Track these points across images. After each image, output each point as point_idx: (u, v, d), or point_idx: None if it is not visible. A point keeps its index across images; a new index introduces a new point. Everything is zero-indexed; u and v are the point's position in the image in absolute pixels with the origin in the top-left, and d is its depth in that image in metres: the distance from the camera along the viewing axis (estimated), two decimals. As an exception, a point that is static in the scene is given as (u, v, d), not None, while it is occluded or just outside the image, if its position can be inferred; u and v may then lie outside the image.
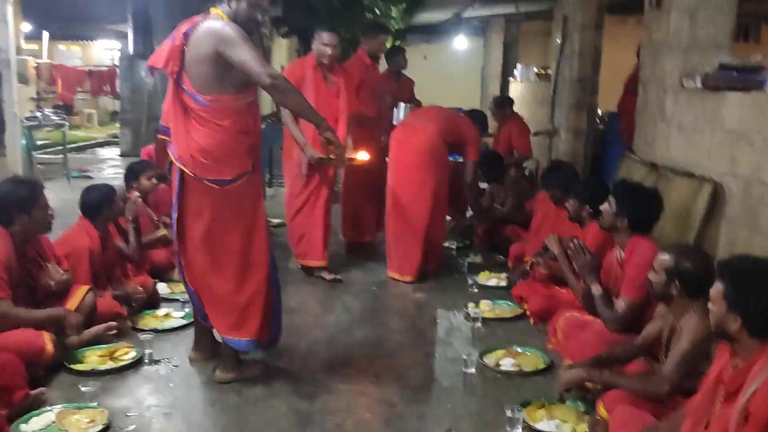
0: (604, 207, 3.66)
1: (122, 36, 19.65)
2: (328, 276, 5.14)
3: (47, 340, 3.34)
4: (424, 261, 5.18)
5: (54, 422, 2.89)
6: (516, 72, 12.62)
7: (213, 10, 3.28)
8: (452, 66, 15.35)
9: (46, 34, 18.94)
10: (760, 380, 2.00)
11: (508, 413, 2.93)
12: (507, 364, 3.60)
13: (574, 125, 8.28)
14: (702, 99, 4.89)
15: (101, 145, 15.67)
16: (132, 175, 5.12)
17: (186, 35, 3.25)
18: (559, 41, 8.84)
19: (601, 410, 2.81)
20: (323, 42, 5.05)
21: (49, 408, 2.99)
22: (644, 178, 5.22)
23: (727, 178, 4.53)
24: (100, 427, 2.87)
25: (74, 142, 14.11)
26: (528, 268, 4.66)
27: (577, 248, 3.66)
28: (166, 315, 4.23)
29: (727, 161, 4.53)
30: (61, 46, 23.78)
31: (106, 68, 22.26)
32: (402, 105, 6.06)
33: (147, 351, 3.63)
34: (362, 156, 5.00)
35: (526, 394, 3.23)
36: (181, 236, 3.44)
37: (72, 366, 3.45)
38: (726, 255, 4.18)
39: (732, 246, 4.34)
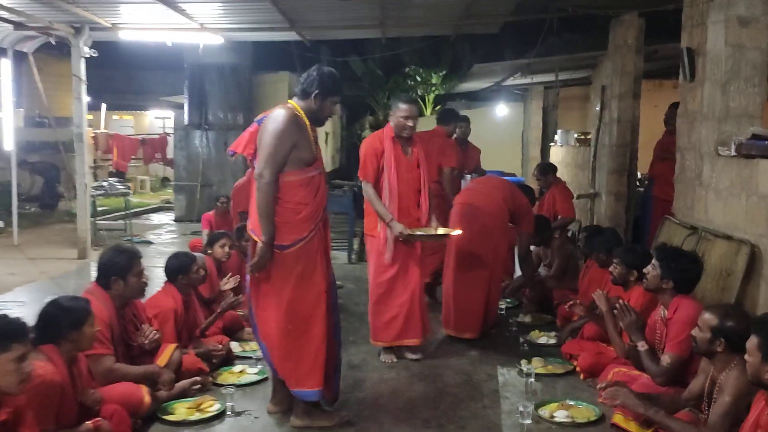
0: (650, 271, 3.94)
1: (176, 106, 20.69)
2: (412, 355, 5.00)
3: (145, 393, 3.73)
4: (484, 320, 5.47)
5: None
6: (556, 137, 13.03)
7: (290, 102, 3.79)
8: (493, 130, 15.82)
9: (104, 106, 20.02)
10: None
11: (565, 460, 3.21)
12: (561, 415, 3.87)
13: (615, 189, 8.59)
14: (737, 166, 5.20)
15: (155, 210, 16.32)
16: (209, 243, 5.60)
17: (259, 122, 3.78)
18: (597, 109, 9.24)
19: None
20: (402, 115, 4.84)
21: (151, 453, 3.37)
22: (685, 240, 5.50)
23: (763, 240, 4.78)
24: (198, 469, 3.22)
25: (130, 208, 14.83)
26: (567, 306, 5.00)
27: (623, 308, 3.95)
28: (242, 371, 4.60)
29: (763, 224, 4.79)
30: (115, 116, 24.96)
31: (157, 136, 23.38)
32: (468, 177, 6.50)
33: (229, 404, 3.99)
34: (456, 232, 4.98)
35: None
36: (255, 296, 3.87)
37: (164, 417, 3.83)
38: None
39: (772, 305, 4.57)
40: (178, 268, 4.64)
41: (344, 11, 8.32)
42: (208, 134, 13.81)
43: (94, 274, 8.09)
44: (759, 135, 5.11)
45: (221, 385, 4.33)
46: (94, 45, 9.22)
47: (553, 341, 5.29)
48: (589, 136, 10.38)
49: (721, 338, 3.07)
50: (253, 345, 5.13)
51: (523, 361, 4.75)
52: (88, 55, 9.12)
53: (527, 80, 13.32)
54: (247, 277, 3.93)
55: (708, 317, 3.15)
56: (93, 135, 18.81)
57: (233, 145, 3.92)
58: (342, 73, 12.39)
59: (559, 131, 13.11)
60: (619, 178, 8.56)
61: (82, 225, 9.24)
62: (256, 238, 3.80)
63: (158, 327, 4.24)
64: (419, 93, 19.04)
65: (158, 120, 26.19)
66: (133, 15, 8.72)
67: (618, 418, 3.69)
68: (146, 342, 4.03)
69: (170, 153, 23.01)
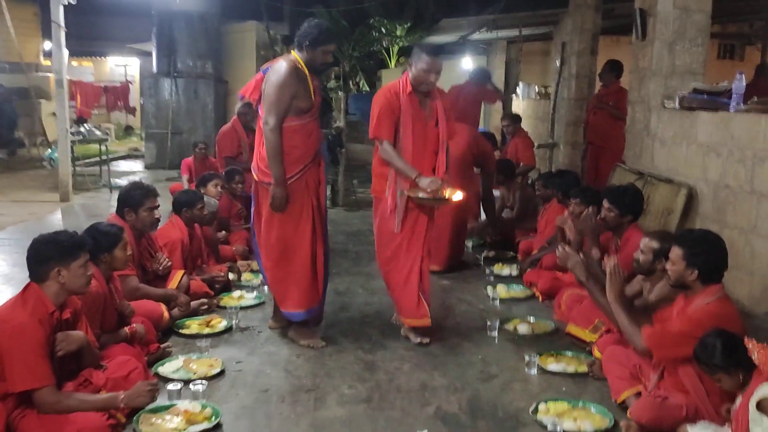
0: (607, 214, 4.49)
1: (140, 54, 20.58)
2: (414, 338, 4.37)
3: (164, 310, 4.27)
4: (450, 254, 6.07)
5: (182, 366, 3.80)
6: (518, 90, 13.60)
7: (292, 52, 4.24)
8: (457, 84, 16.28)
9: (66, 52, 19.79)
10: (700, 303, 3.01)
11: (526, 358, 3.87)
12: (522, 328, 4.53)
13: (572, 139, 9.25)
14: (679, 117, 5.86)
15: (123, 158, 16.43)
16: (201, 183, 6.05)
17: (264, 72, 4.23)
18: (558, 64, 9.82)
19: (596, 352, 3.74)
20: (425, 68, 4.22)
21: (176, 357, 3.91)
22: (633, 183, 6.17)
23: (699, 183, 5.49)
24: (218, 369, 3.78)
25: (95, 156, 14.91)
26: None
27: (587, 216, 4.56)
28: (240, 296, 5.14)
29: (700, 169, 5.49)
30: (74, 62, 24.68)
31: (119, 84, 23.23)
32: None
33: (234, 321, 4.55)
34: (457, 196, 4.31)
35: (539, 348, 4.15)
36: (257, 227, 4.37)
37: (181, 330, 4.38)
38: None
39: (704, 239, 5.28)
40: (185, 202, 5.12)
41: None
42: (177, 82, 13.94)
43: (80, 215, 8.51)
44: (699, 89, 5.76)
45: (224, 308, 4.87)
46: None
47: (515, 273, 5.94)
48: (549, 90, 11.00)
49: (662, 257, 3.69)
50: (247, 275, 5.69)
51: (489, 287, 5.40)
52: (66, 2, 9.27)
53: (492, 35, 13.80)
54: (252, 208, 4.44)
55: (648, 241, 3.78)
56: (57, 81, 18.66)
57: (242, 90, 4.36)
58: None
59: (521, 85, 13.69)
60: (576, 130, 9.22)
61: (63, 169, 9.52)
62: (255, 177, 4.30)
63: (167, 255, 4.73)
64: (384, 45, 19.32)
65: (119, 67, 25.97)
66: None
67: (571, 328, 4.37)
68: (161, 268, 4.53)
69: (132, 101, 22.99)
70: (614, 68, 7.84)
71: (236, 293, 5.20)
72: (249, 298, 5.12)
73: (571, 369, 3.84)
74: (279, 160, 4.07)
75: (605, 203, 4.52)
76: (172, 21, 13.58)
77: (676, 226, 5.46)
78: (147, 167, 14.08)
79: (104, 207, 9.33)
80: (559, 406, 3.35)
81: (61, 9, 9.32)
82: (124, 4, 15.54)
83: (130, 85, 23.20)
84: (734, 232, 4.99)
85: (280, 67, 4.12)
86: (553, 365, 3.87)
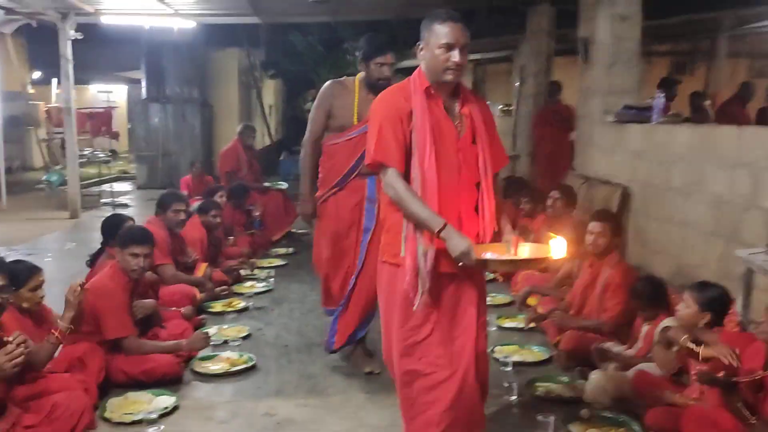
0: (557, 201, 5.63)
1: (128, 81, 21.45)
2: None
3: (197, 292, 5.26)
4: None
5: (217, 333, 4.79)
6: (484, 108, 14.76)
7: (358, 74, 4.08)
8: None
9: (54, 81, 20.61)
10: (607, 271, 4.07)
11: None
12: (486, 301, 5.59)
13: (532, 151, 10.36)
14: (614, 130, 6.98)
15: (114, 180, 17.22)
16: (209, 193, 7.05)
17: None
18: (517, 84, 10.97)
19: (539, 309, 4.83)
20: (442, 41, 2.73)
21: (210, 326, 4.91)
22: (580, 187, 7.27)
23: (631, 183, 6.58)
24: (246, 334, 4.79)
25: (88, 179, 15.65)
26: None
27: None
28: (252, 285, 6.14)
29: (630, 172, 6.59)
30: (57, 90, 25.27)
31: (103, 110, 24.02)
32: None
33: (251, 303, 5.55)
34: (557, 250, 2.73)
35: (497, 314, 5.19)
36: None
37: (209, 310, 5.37)
38: (633, 237, 6.24)
39: (636, 229, 6.38)
40: (202, 207, 6.16)
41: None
42: (166, 107, 14.85)
43: (90, 230, 9.40)
44: (630, 106, 6.89)
45: (240, 294, 5.86)
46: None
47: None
48: (511, 108, 12.13)
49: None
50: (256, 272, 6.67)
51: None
52: (74, 38, 10.24)
53: (459, 58, 14.95)
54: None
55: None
56: (46, 109, 19.47)
57: None
58: (283, 48, 13.61)
59: (488, 103, 14.85)
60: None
61: (72, 189, 10.42)
62: None
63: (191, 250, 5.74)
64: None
65: (101, 93, 26.74)
66: (114, 1, 9.90)
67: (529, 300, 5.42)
68: (190, 261, 5.54)
69: (115, 126, 23.76)
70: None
71: (248, 283, 6.20)
72: (259, 286, 6.12)
73: (521, 325, 4.92)
74: (306, 176, 4.13)
75: (555, 194, 5.71)
76: (161, 50, 14.42)
77: (612, 219, 6.54)
78: (139, 188, 14.89)
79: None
80: (509, 348, 4.42)
81: (69, 44, 10.27)
82: (115, 36, 16.36)
83: (112, 111, 24.00)
84: (657, 222, 6.08)
85: (325, 86, 4.11)
86: (507, 323, 4.95)
